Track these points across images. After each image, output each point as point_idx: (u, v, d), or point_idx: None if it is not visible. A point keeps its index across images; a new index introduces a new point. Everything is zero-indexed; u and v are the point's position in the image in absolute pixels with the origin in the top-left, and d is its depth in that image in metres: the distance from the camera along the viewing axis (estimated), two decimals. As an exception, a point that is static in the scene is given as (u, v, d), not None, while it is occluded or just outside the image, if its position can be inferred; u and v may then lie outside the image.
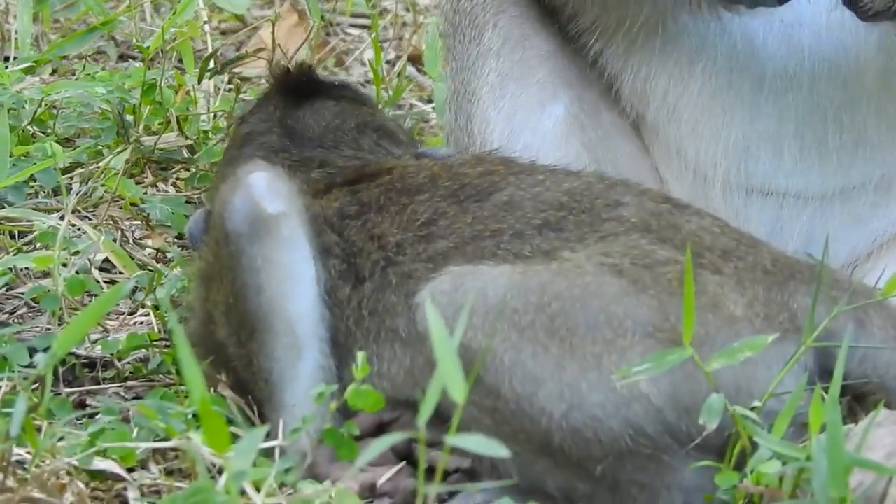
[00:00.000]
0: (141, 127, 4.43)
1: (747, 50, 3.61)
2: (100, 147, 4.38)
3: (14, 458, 3.20)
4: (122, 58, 4.90)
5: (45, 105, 4.48)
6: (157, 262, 4.06)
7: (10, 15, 4.94)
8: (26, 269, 3.98)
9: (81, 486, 3.26)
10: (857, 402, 3.20)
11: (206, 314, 3.59)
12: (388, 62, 4.99)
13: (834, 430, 3.09)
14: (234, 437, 3.24)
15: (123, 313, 3.91)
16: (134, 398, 3.57)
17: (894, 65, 3.65)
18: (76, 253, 4.04)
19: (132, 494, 3.26)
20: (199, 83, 4.67)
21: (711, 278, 3.23)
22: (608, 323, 3.23)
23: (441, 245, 3.38)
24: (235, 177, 3.55)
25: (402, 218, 3.46)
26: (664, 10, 3.69)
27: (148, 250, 4.08)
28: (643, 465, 3.22)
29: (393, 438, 3.15)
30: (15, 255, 4.02)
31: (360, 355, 3.33)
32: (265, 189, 3.47)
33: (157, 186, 4.26)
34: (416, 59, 4.93)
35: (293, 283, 3.46)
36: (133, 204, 4.19)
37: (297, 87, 3.82)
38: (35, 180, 4.26)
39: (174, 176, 4.33)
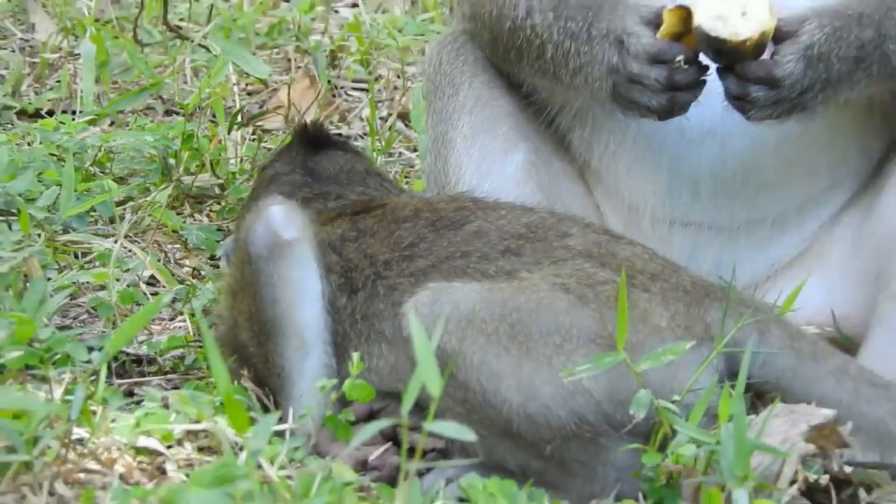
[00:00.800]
0: (181, 168, 4.49)
1: None
2: (147, 184, 4.43)
3: (74, 437, 3.24)
4: (167, 112, 4.93)
5: (104, 150, 4.53)
6: (193, 278, 4.10)
7: (77, 77, 4.97)
8: (87, 282, 4.03)
9: (129, 459, 3.30)
10: (758, 398, 3.27)
11: (232, 321, 3.68)
12: (381, 118, 5.04)
13: (739, 420, 3.16)
14: (253, 421, 3.28)
15: (165, 319, 3.95)
16: (172, 388, 3.62)
17: (791, 125, 3.69)
18: (127, 270, 4.10)
19: (170, 467, 3.31)
20: (228, 133, 4.72)
21: (641, 296, 3.31)
22: (558, 331, 3.31)
23: (421, 264, 3.49)
24: (258, 209, 3.64)
25: (391, 241, 3.57)
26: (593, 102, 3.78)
27: (186, 268, 4.13)
28: (584, 447, 3.29)
29: (381, 424, 3.20)
30: (77, 271, 4.06)
31: (356, 355, 3.42)
32: (282, 219, 3.57)
33: (193, 217, 4.30)
34: (404, 116, 4.98)
35: (303, 296, 3.55)
36: (174, 231, 4.24)
37: (313, 139, 3.86)
38: (94, 211, 4.31)
39: (208, 208, 4.38)
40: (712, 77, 3.60)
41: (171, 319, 3.92)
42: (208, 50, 5.07)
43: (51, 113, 4.95)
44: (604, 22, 3.62)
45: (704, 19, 3.41)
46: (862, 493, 3.37)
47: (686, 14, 3.45)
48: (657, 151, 3.78)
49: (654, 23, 3.52)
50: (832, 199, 3.88)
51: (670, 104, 3.53)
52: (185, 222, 4.27)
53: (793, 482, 3.23)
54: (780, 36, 3.53)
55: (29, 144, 4.55)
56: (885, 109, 3.83)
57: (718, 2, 3.40)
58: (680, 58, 3.49)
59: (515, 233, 3.52)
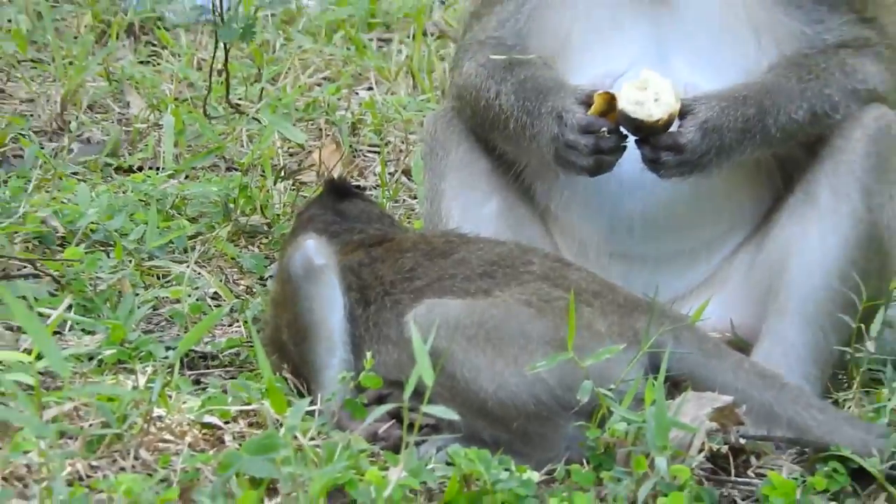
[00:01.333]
0: (238, 211, 4.42)
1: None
2: (212, 223, 4.36)
3: (154, 415, 3.18)
4: (228, 169, 4.87)
5: (180, 197, 4.48)
6: (246, 294, 4.02)
7: (160, 142, 4.90)
8: (165, 297, 3.97)
9: (196, 432, 3.26)
10: (674, 387, 3.21)
11: (275, 326, 3.66)
12: (390, 173, 4.96)
13: (660, 404, 3.12)
14: (290, 404, 3.23)
15: (224, 325, 3.89)
16: (230, 378, 3.56)
17: (699, 182, 3.66)
18: (196, 288, 4.05)
19: (227, 438, 3.28)
20: (274, 185, 4.67)
21: (586, 309, 3.28)
22: (522, 336, 3.28)
23: (418, 284, 3.48)
24: (297, 242, 3.64)
25: (396, 267, 3.56)
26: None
27: (241, 287, 4.06)
28: (542, 424, 3.27)
29: (387, 406, 3.20)
30: (158, 289, 4.00)
31: (369, 354, 3.39)
32: (314, 249, 3.57)
33: (247, 248, 4.23)
34: (407, 172, 4.94)
35: (329, 308, 3.54)
36: (232, 258, 4.18)
37: (338, 190, 3.83)
38: (172, 243, 4.23)
39: (258, 242, 4.32)
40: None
41: (230, 325, 3.86)
42: (259, 121, 4.99)
43: (140, 168, 4.87)
44: (550, 102, 3.63)
45: (626, 104, 3.48)
46: (753, 460, 3.33)
47: (611, 98, 3.51)
48: (600, 200, 3.76)
49: (587, 103, 3.54)
50: (733, 238, 3.86)
51: (598, 165, 3.55)
52: (240, 252, 4.21)
53: (700, 451, 3.20)
54: (683, 113, 3.54)
55: (123, 193, 4.49)
56: (769, 168, 3.81)
57: (636, 90, 3.47)
58: (604, 129, 3.51)
59: (490, 261, 3.49)
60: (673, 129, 3.55)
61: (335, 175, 4.39)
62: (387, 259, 3.58)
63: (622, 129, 3.56)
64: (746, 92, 3.62)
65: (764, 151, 3.69)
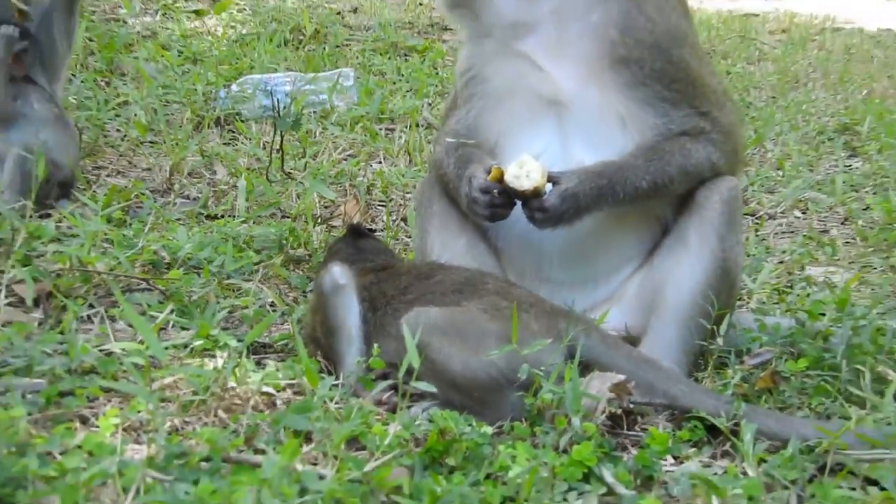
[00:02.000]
0: (288, 246, 4.39)
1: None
2: (270, 254, 4.33)
3: (229, 386, 3.16)
4: (283, 216, 4.85)
5: (249, 236, 4.45)
6: (294, 303, 3.99)
7: (236, 198, 4.86)
8: (238, 305, 3.95)
9: (257, 398, 3.23)
10: (585, 369, 3.18)
11: (312, 325, 3.66)
12: (393, 221, 4.93)
13: (575, 381, 3.12)
14: (321, 379, 3.20)
15: (278, 324, 3.86)
16: (281, 361, 3.53)
17: (594, 226, 3.73)
18: (259, 298, 4.02)
19: (279, 402, 3.26)
20: (312, 227, 4.64)
21: (525, 315, 3.30)
22: (480, 333, 3.27)
23: (410, 297, 3.49)
24: (328, 267, 3.63)
25: (394, 285, 3.56)
26: None
27: (290, 297, 4.03)
28: (495, 393, 3.25)
29: (388, 382, 3.26)
30: (233, 299, 3.97)
31: (375, 346, 3.40)
32: (339, 273, 3.58)
33: (294, 271, 4.21)
34: (405, 220, 4.91)
35: (348, 313, 3.56)
36: (284, 278, 4.15)
37: (357, 232, 3.84)
38: (243, 267, 4.22)
39: (302, 267, 4.29)
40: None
41: (281, 324, 3.85)
42: (304, 184, 4.96)
43: (222, 216, 4.87)
44: (467, 170, 3.68)
45: (508, 177, 3.54)
46: (639, 419, 3.34)
47: (502, 172, 3.56)
48: (531, 242, 3.77)
49: (489, 172, 3.58)
50: (627, 268, 3.86)
51: (493, 215, 3.63)
52: (289, 274, 4.19)
53: (602, 413, 3.19)
54: (553, 182, 3.57)
55: (210, 233, 4.49)
56: (651, 221, 3.82)
57: (516, 168, 3.54)
58: (495, 190, 3.57)
59: (459, 281, 3.48)
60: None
61: (355, 222, 4.40)
62: (389, 280, 3.57)
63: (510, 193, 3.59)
64: (603, 168, 3.63)
65: (619, 209, 3.70)
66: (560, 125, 3.74)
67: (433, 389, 3.13)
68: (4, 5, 5.01)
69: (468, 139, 3.83)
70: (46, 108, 4.99)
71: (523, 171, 3.57)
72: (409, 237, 4.46)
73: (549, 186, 3.58)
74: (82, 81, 6.62)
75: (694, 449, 3.21)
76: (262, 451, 2.94)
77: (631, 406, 3.26)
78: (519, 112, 3.79)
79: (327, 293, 3.58)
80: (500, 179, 3.59)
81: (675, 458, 3.15)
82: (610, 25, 3.72)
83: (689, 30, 3.93)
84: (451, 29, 9.67)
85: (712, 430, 3.22)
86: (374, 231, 4.71)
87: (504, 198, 3.59)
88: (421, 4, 10.74)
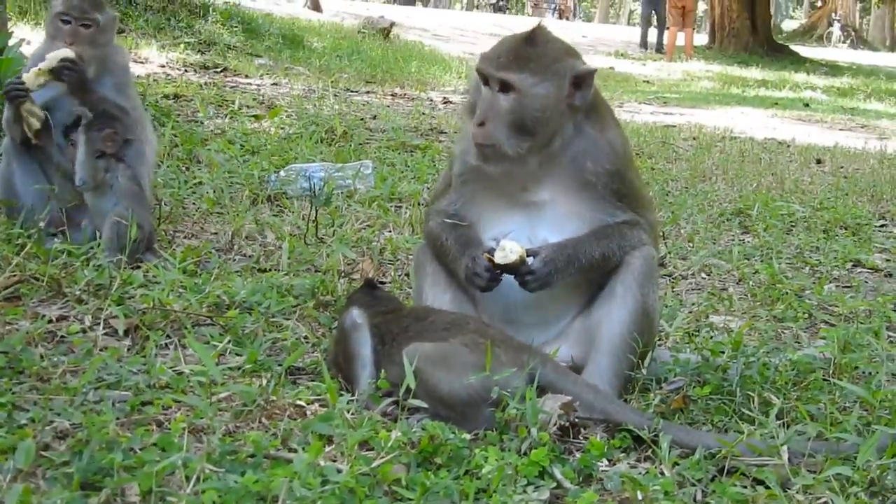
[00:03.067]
0: (319, 293, 4.32)
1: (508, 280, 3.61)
2: (305, 299, 4.33)
3: (270, 399, 3.10)
4: (316, 271, 4.78)
5: (289, 285, 4.44)
6: (322, 337, 3.93)
7: (281, 256, 4.80)
8: (279, 337, 3.90)
9: (292, 409, 3.18)
10: (542, 391, 3.10)
11: (335, 353, 3.57)
12: (399, 276, 4.89)
13: (533, 400, 3.06)
14: (341, 395, 3.16)
15: (310, 353, 3.79)
16: (311, 381, 3.51)
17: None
18: (295, 333, 3.94)
19: (308, 412, 3.18)
20: (338, 280, 4.56)
21: (497, 349, 3.23)
22: (464, 363, 3.21)
23: (410, 334, 3.40)
24: (348, 310, 3.56)
25: (398, 325, 3.47)
26: None
27: (320, 332, 3.98)
28: (473, 409, 3.20)
29: (392, 399, 3.20)
30: (276, 333, 3.95)
31: (383, 371, 3.35)
32: (356, 315, 3.51)
33: (323, 312, 4.15)
34: (407, 275, 4.85)
35: (363, 345, 3.49)
36: (315, 318, 4.10)
37: (371, 285, 3.75)
38: (284, 310, 4.19)
39: (329, 309, 4.22)
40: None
41: (312, 353, 3.75)
42: (332, 247, 4.92)
43: (269, 269, 4.84)
44: (469, 251, 3.64)
45: (497, 258, 3.54)
46: (582, 430, 3.27)
47: (491, 257, 3.56)
48: (497, 292, 3.69)
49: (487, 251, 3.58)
50: (572, 312, 3.80)
51: (488, 287, 3.58)
52: (319, 314, 4.11)
53: (554, 425, 3.15)
54: (531, 255, 3.55)
55: (260, 282, 4.44)
56: (590, 279, 3.73)
57: (500, 252, 3.53)
58: (492, 272, 3.58)
59: (447, 322, 3.40)
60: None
61: (370, 276, 4.32)
62: (394, 321, 3.48)
63: (498, 269, 3.55)
64: (567, 242, 3.60)
65: (584, 274, 3.65)
66: (531, 216, 3.68)
67: (425, 405, 3.12)
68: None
69: (460, 220, 3.75)
70: (128, 184, 4.94)
71: (507, 251, 3.53)
72: (410, 288, 4.40)
73: (529, 260, 3.56)
74: (168, 167, 6.61)
75: (624, 454, 3.18)
76: (294, 450, 2.91)
77: (576, 420, 3.22)
78: (501, 205, 3.71)
79: (348, 329, 3.52)
80: (491, 261, 3.56)
81: (609, 460, 3.12)
82: (585, 157, 3.68)
83: (631, 153, 3.98)
84: (445, 132, 9.68)
85: (638, 440, 3.19)
86: (385, 283, 4.68)
87: (496, 274, 3.55)
88: (423, 114, 10.77)
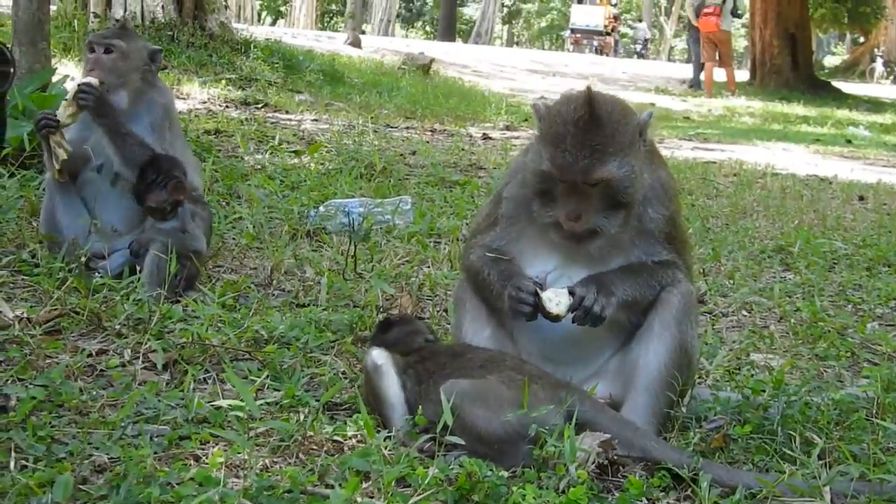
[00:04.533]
0: (357, 329, 4.34)
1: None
2: (344, 334, 4.33)
3: (308, 434, 3.10)
4: (354, 306, 4.81)
5: (328, 320, 4.44)
6: (360, 373, 3.93)
7: (320, 291, 4.84)
8: (317, 372, 3.91)
9: (329, 444, 3.20)
10: (580, 428, 3.08)
11: (367, 394, 3.54)
12: (437, 311, 4.89)
13: (571, 438, 3.06)
14: (377, 432, 3.16)
15: (347, 388, 3.79)
16: (348, 416, 3.46)
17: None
18: (333, 368, 3.96)
19: (346, 448, 3.19)
20: (376, 315, 4.58)
21: (534, 385, 3.22)
22: (499, 399, 3.20)
23: (446, 372, 3.37)
24: (369, 350, 3.59)
25: (435, 362, 3.45)
26: None
27: (357, 368, 3.98)
28: (510, 446, 3.18)
29: (429, 435, 3.20)
30: (314, 368, 3.96)
31: (420, 408, 3.35)
32: (376, 356, 3.51)
33: (361, 348, 4.15)
34: (446, 311, 4.84)
35: (388, 385, 3.49)
36: (353, 353, 4.10)
37: (387, 324, 3.79)
38: (322, 345, 4.21)
39: (368, 344, 4.21)
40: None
41: (350, 387, 3.76)
42: (370, 282, 4.93)
43: (307, 305, 4.87)
44: (513, 280, 3.60)
45: (544, 298, 3.54)
46: (621, 469, 3.24)
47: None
48: (536, 330, 3.67)
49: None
50: (610, 350, 3.77)
51: (533, 314, 3.52)
52: (358, 350, 4.13)
53: (592, 463, 3.13)
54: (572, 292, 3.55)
55: (297, 317, 4.48)
56: (627, 318, 3.71)
57: (550, 293, 3.53)
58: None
59: (483, 359, 3.40)
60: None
61: (408, 311, 4.33)
62: (431, 358, 3.47)
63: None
64: (611, 279, 3.60)
65: (623, 311, 3.63)
66: (574, 255, 3.65)
67: (461, 442, 3.12)
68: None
69: (502, 254, 3.71)
70: (197, 228, 5.02)
71: (554, 301, 3.50)
72: (449, 324, 4.39)
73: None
74: (208, 202, 6.65)
75: (663, 493, 3.14)
76: (331, 486, 2.91)
77: (615, 458, 3.20)
78: (545, 244, 3.67)
79: (370, 372, 3.52)
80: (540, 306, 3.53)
81: (648, 499, 3.09)
82: (646, 204, 3.67)
83: (677, 197, 3.95)
84: (484, 168, 9.69)
85: (677, 479, 3.17)
86: (423, 319, 4.66)
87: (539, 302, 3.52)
88: (463, 150, 10.79)
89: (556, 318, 3.53)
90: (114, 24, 5.46)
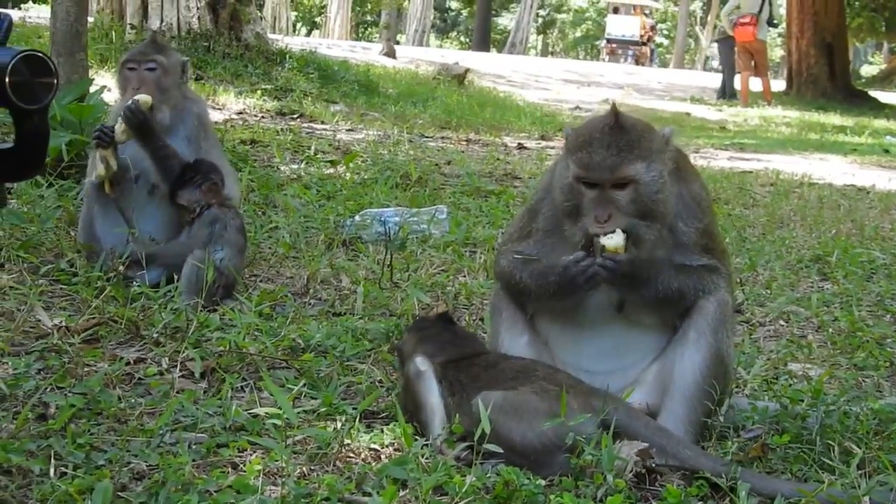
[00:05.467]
0: (394, 338, 4.35)
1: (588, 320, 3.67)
2: (380, 343, 4.34)
3: (345, 443, 3.12)
4: (390, 315, 4.84)
5: (364, 329, 4.44)
6: (397, 381, 3.92)
7: (356, 301, 4.85)
8: (354, 381, 3.91)
9: (366, 453, 3.22)
10: (616, 437, 3.08)
11: (405, 400, 3.57)
12: (473, 320, 4.89)
13: (609, 446, 3.05)
14: (414, 440, 3.17)
15: (384, 396, 3.78)
16: (385, 425, 3.46)
17: (627, 324, 3.71)
18: (370, 377, 3.96)
19: (383, 456, 3.21)
20: (410, 322, 4.58)
21: (568, 395, 3.19)
22: (534, 410, 3.21)
23: (480, 383, 3.37)
24: (411, 357, 3.62)
25: (469, 373, 3.46)
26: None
27: (394, 377, 3.98)
28: (547, 455, 3.19)
29: (465, 444, 3.22)
30: (351, 377, 3.98)
31: (457, 417, 3.35)
32: (419, 363, 3.53)
33: (391, 359, 4.13)
34: (482, 319, 4.83)
35: (429, 391, 3.48)
36: (390, 362, 4.12)
37: (447, 318, 3.82)
38: (359, 353, 4.23)
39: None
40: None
41: (387, 397, 3.77)
42: (407, 291, 4.94)
43: (344, 313, 4.91)
44: (563, 258, 3.58)
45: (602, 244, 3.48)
46: (658, 478, 3.24)
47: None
48: (573, 341, 3.72)
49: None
50: (646, 359, 3.75)
51: (593, 277, 3.50)
52: (395, 359, 4.10)
53: (630, 472, 3.13)
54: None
55: (334, 326, 4.51)
56: (663, 325, 3.73)
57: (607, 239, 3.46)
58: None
59: (517, 370, 3.40)
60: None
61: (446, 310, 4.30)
62: (464, 369, 3.46)
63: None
64: (650, 263, 3.60)
65: (658, 306, 3.64)
66: None
67: (499, 450, 3.13)
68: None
69: (531, 257, 3.72)
70: (236, 236, 5.06)
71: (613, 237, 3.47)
72: (485, 332, 4.38)
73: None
74: (245, 211, 6.69)
75: (701, 502, 3.13)
76: (369, 494, 2.93)
77: (653, 467, 3.20)
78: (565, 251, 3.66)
79: (413, 378, 3.53)
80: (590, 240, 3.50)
81: (686, 508, 3.09)
82: (677, 219, 3.67)
83: (711, 203, 3.97)
84: (519, 178, 9.69)
85: (715, 487, 3.16)
86: (461, 323, 4.66)
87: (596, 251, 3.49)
88: (498, 160, 10.79)
89: (615, 251, 3.45)
90: (147, 38, 5.46)
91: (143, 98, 5.03)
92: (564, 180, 3.61)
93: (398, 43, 42.66)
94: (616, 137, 3.54)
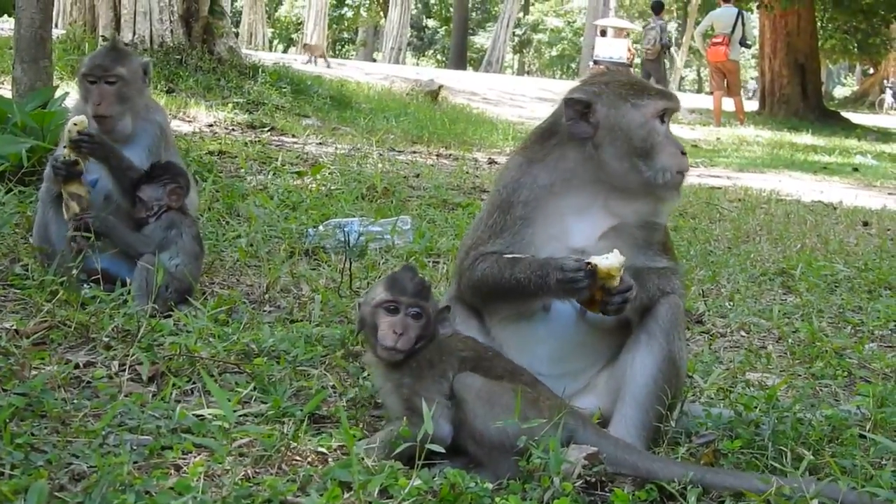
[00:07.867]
0: (348, 344, 4.31)
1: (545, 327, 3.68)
2: (335, 349, 4.30)
3: (291, 446, 3.07)
4: (348, 322, 4.78)
5: (319, 335, 4.47)
6: (350, 386, 3.89)
7: (313, 308, 4.81)
8: (305, 385, 3.88)
9: (312, 456, 3.18)
10: (566, 442, 3.04)
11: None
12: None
13: (557, 450, 3.01)
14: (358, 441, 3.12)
15: (335, 400, 3.75)
16: (332, 429, 3.45)
17: (582, 327, 3.68)
18: (321, 382, 3.91)
19: (330, 459, 3.20)
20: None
21: (540, 403, 3.16)
22: (507, 405, 3.17)
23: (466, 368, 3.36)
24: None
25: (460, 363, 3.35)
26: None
27: (348, 382, 3.94)
28: (506, 455, 3.18)
29: (409, 444, 3.08)
30: (302, 381, 3.97)
31: (404, 419, 3.26)
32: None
33: (352, 362, 4.12)
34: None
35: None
36: (343, 367, 4.07)
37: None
38: (312, 358, 4.21)
39: (359, 359, 4.17)
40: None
41: (338, 400, 3.70)
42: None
43: (300, 320, 4.92)
44: (552, 261, 3.53)
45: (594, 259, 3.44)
46: (608, 483, 3.18)
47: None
48: (525, 343, 3.71)
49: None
50: (599, 363, 3.76)
51: (589, 286, 3.46)
52: (348, 364, 4.08)
53: (579, 476, 3.11)
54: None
55: (290, 332, 4.50)
56: (619, 328, 3.73)
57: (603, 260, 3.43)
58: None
59: (507, 369, 3.37)
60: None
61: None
62: (464, 362, 3.38)
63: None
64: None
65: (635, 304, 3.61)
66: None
67: (443, 451, 3.10)
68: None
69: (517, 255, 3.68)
70: (191, 243, 5.02)
71: (605, 257, 3.45)
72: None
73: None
74: (207, 220, 6.66)
75: (649, 506, 3.12)
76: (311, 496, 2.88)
77: (602, 472, 3.16)
78: (552, 248, 3.64)
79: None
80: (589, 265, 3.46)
81: (634, 513, 3.06)
82: (640, 216, 3.70)
83: None
84: (487, 192, 9.67)
85: (662, 490, 3.14)
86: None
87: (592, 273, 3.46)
88: (467, 174, 10.80)
89: (608, 276, 3.43)
90: (106, 45, 5.37)
91: (79, 119, 4.90)
92: (634, 122, 3.63)
93: (374, 61, 42.62)
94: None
